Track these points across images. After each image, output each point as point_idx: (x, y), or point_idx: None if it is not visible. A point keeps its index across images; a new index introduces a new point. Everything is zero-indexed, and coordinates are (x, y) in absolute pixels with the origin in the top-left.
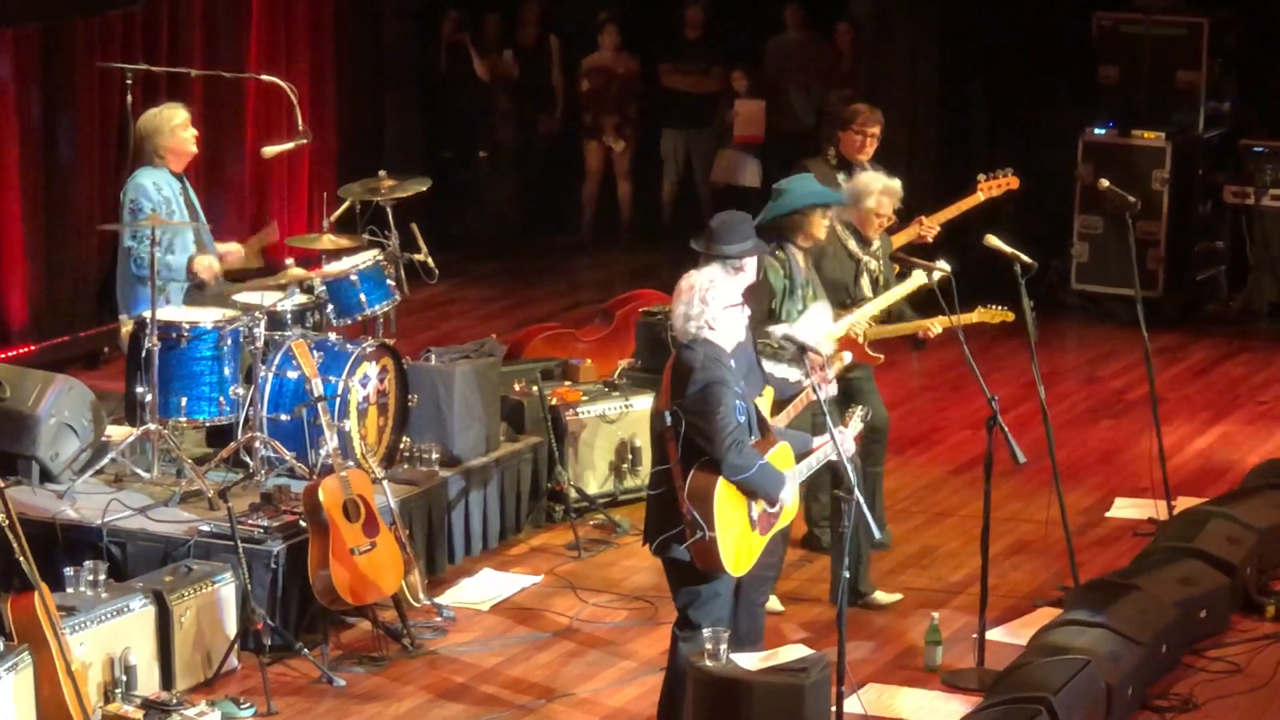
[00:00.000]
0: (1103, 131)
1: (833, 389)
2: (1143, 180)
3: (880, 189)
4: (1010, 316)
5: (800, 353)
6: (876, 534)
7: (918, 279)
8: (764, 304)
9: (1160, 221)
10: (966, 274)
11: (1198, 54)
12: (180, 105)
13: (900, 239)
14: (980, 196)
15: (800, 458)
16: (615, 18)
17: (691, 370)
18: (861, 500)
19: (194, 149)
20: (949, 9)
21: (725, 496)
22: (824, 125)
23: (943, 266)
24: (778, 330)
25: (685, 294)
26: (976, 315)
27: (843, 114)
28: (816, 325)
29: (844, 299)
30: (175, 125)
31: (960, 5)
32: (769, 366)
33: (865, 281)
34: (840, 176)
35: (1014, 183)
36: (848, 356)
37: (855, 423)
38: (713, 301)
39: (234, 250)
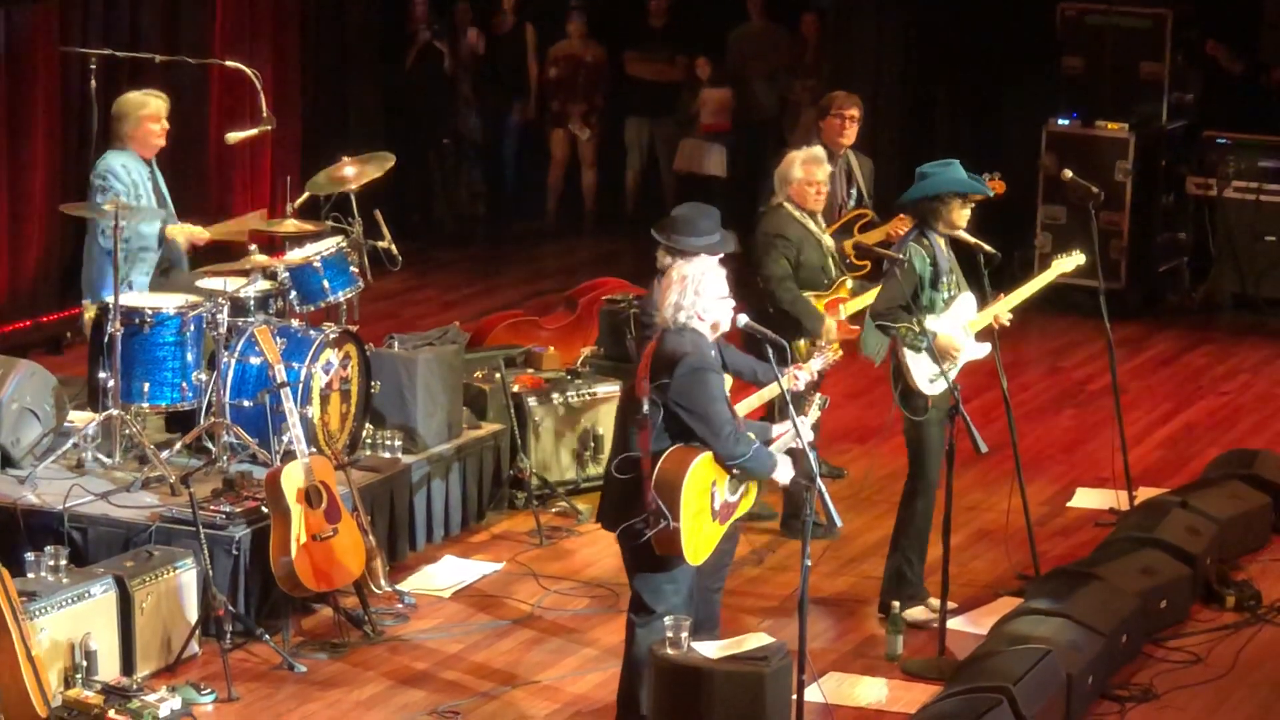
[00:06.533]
0: (1066, 122)
1: (805, 378)
2: (1106, 171)
3: (802, 159)
4: (1083, 259)
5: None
6: (839, 522)
7: (1060, 266)
8: (907, 290)
9: (1123, 212)
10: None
11: (1161, 46)
12: (159, 96)
13: (876, 235)
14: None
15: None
16: (583, 6)
17: (682, 355)
18: (824, 488)
19: (159, 142)
20: None
21: (692, 488)
22: (787, 113)
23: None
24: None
25: (677, 284)
26: (1054, 271)
27: (819, 102)
28: (960, 316)
29: (822, 282)
30: (143, 115)
31: None
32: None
33: (831, 263)
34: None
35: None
36: (978, 350)
37: (814, 410)
38: (705, 292)
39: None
